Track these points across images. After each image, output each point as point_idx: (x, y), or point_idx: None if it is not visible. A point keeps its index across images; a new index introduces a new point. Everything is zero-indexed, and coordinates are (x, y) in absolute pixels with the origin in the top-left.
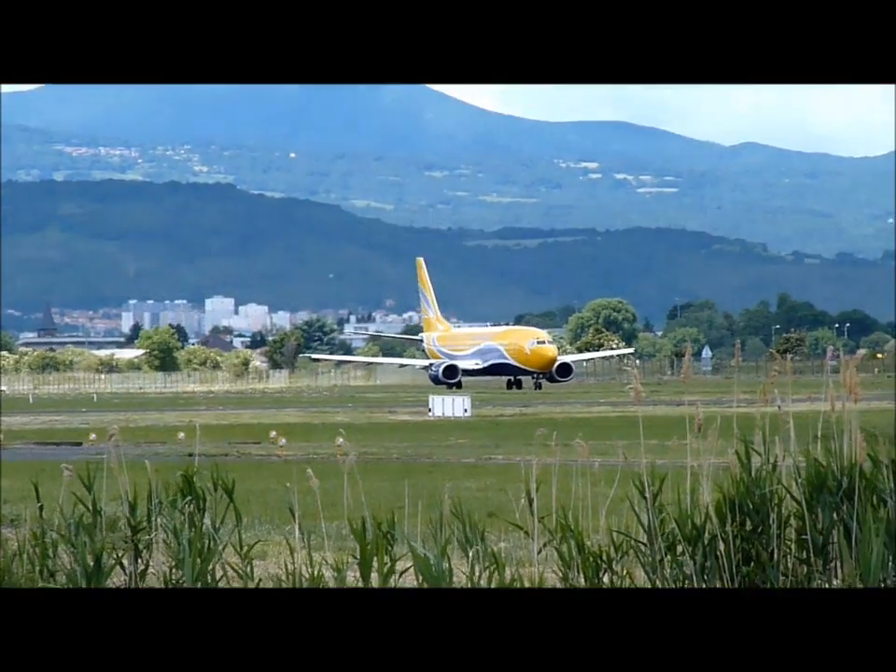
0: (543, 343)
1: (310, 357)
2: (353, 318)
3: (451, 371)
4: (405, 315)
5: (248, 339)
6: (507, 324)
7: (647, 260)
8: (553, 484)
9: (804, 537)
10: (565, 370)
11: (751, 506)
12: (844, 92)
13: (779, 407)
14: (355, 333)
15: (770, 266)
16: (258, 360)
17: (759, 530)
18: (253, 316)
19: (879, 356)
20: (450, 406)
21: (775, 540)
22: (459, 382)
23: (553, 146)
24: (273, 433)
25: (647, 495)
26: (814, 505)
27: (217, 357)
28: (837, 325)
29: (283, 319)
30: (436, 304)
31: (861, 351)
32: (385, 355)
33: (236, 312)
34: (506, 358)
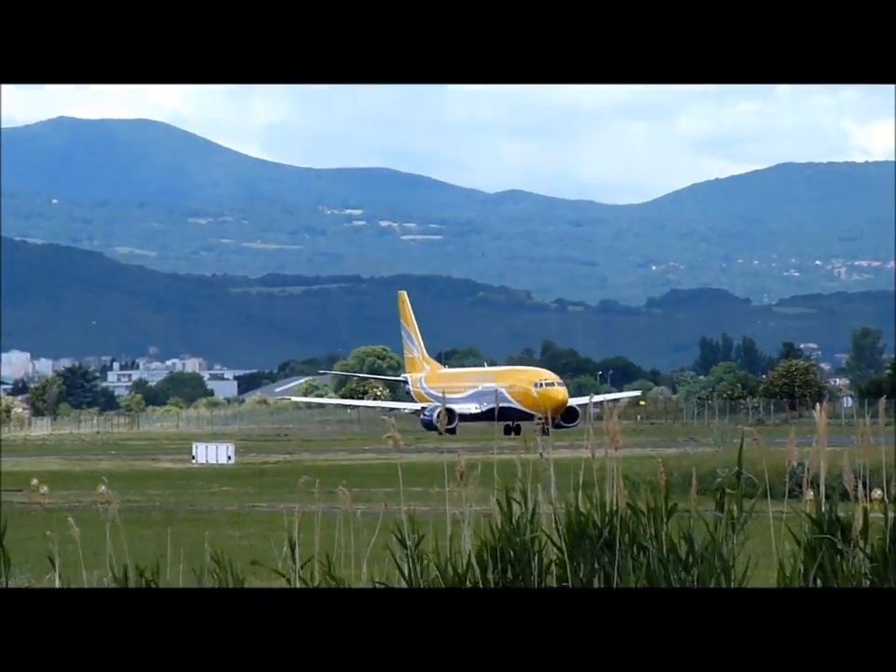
0: (553, 384)
1: (291, 399)
2: (116, 365)
3: (447, 415)
4: (168, 363)
5: (10, 386)
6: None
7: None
8: (315, 532)
9: (564, 584)
10: (571, 414)
11: (512, 554)
12: (609, 140)
13: (542, 454)
14: (333, 374)
15: (535, 314)
16: (19, 407)
17: (520, 578)
18: (15, 364)
19: (642, 403)
20: (213, 453)
21: (535, 587)
22: (454, 428)
23: (318, 193)
24: (35, 481)
25: (408, 542)
26: (575, 553)
27: None
28: (601, 372)
29: (45, 367)
30: (421, 342)
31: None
32: (147, 402)
33: None
34: (509, 402)
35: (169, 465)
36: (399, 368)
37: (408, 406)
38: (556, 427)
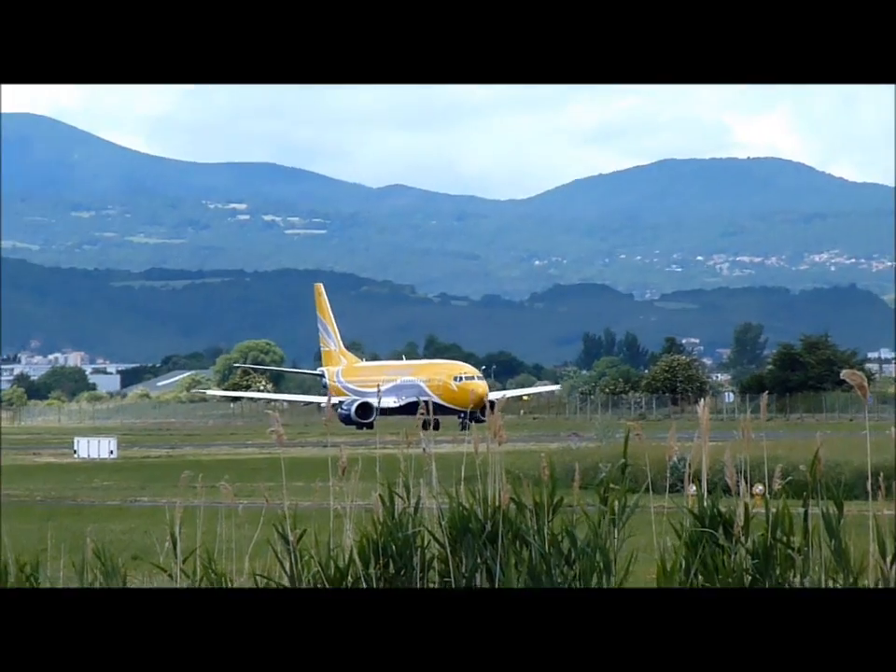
0: (472, 378)
1: (204, 393)
2: None
3: (365, 409)
4: (51, 357)
5: None
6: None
7: (295, 301)
8: (198, 527)
9: (447, 579)
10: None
11: (395, 548)
12: (494, 134)
13: (424, 449)
14: (251, 369)
15: (418, 307)
16: None
17: (402, 573)
18: None
19: (525, 398)
20: (96, 447)
21: (418, 583)
22: (372, 422)
23: (201, 187)
24: None
25: (290, 537)
26: (457, 548)
27: None
28: (485, 367)
29: None
30: (338, 335)
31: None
32: (29, 396)
33: None
34: (428, 395)
35: (51, 459)
36: (282, 362)
37: (322, 399)
38: (475, 420)
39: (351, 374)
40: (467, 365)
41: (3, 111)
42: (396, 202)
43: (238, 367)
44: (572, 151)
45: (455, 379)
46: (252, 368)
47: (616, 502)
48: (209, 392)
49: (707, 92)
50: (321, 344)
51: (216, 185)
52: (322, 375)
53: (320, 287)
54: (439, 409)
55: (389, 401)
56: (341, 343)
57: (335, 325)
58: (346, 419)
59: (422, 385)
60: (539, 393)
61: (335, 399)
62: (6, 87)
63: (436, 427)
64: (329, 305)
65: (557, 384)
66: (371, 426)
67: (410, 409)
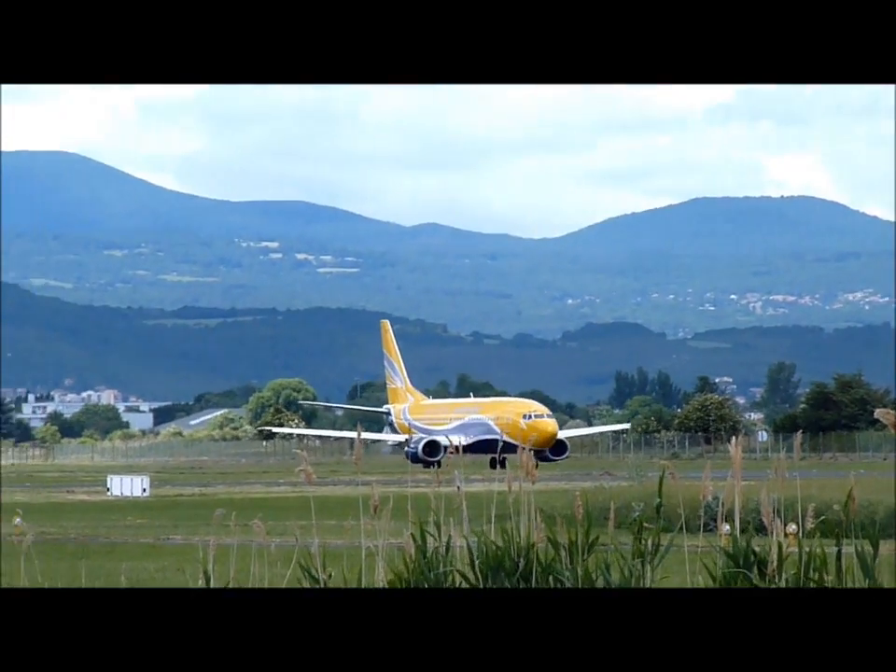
0: (542, 416)
1: (270, 430)
2: (31, 397)
3: (432, 447)
4: (84, 395)
5: None
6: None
7: (327, 340)
8: (231, 565)
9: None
10: (560, 447)
11: (426, 587)
12: (525, 174)
13: (458, 487)
14: (313, 406)
15: (450, 346)
16: None
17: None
18: None
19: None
20: (128, 486)
21: None
22: (440, 461)
23: (234, 225)
24: None
25: (320, 576)
26: (489, 587)
27: None
28: None
29: None
30: (405, 372)
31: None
32: (62, 434)
33: None
34: (496, 434)
35: (84, 497)
36: (314, 400)
37: (392, 438)
38: (544, 460)
39: (418, 412)
40: (536, 403)
41: (36, 148)
42: (428, 240)
43: (302, 404)
44: (604, 190)
45: (525, 417)
46: (313, 405)
47: (650, 541)
48: (276, 430)
49: (742, 131)
50: (387, 382)
51: (248, 223)
52: (388, 413)
53: (386, 324)
54: (507, 447)
55: (455, 439)
56: (407, 380)
57: (402, 362)
58: (414, 457)
59: (490, 423)
60: (603, 433)
61: (402, 437)
62: (37, 125)
63: (503, 465)
64: (395, 342)
65: (590, 424)
66: (439, 464)
67: (479, 447)
